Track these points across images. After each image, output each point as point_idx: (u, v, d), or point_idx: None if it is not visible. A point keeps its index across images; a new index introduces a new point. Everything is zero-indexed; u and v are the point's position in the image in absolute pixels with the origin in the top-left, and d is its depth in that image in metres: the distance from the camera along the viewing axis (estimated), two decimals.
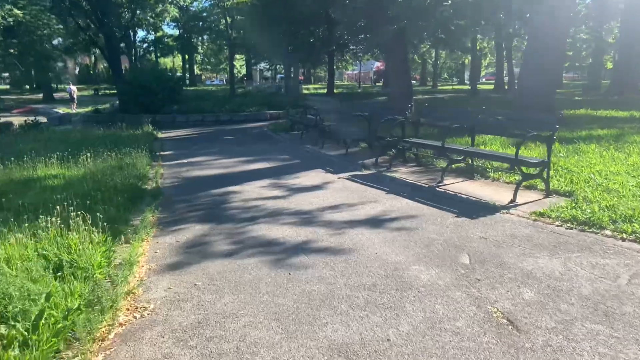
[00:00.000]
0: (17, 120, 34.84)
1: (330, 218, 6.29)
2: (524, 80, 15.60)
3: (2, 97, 50.85)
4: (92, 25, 19.98)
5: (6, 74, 55.91)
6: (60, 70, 43.92)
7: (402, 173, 9.14)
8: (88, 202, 6.18)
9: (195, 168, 10.34)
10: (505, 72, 44.95)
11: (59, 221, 4.95)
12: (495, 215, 6.32)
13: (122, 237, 5.46)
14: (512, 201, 6.85)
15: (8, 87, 61.41)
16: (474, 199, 7.15)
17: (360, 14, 17.42)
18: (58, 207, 5.33)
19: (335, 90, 41.23)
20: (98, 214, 5.43)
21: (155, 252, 5.23)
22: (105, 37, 19.71)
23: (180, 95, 21.76)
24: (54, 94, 44.26)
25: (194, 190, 8.20)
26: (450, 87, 57.89)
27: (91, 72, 68.51)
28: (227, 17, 27.45)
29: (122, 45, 23.28)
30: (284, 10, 26.53)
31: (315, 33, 35.95)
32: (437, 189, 7.86)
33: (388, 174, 9.12)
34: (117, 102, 22.24)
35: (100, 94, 46.07)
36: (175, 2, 60.99)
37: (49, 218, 5.03)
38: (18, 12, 15.62)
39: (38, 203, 6.33)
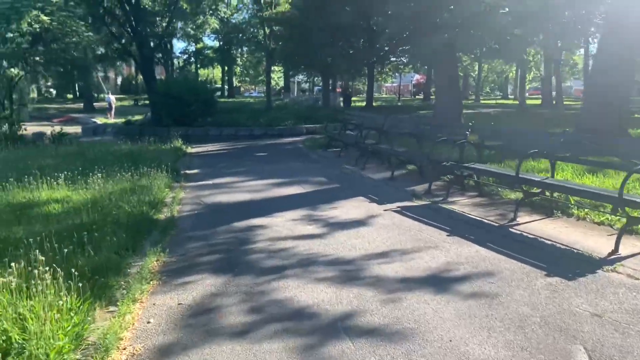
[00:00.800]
0: (54, 129, 34.88)
1: (379, 272, 4.82)
2: (591, 97, 13.78)
3: (45, 105, 51.59)
4: (126, 34, 19.14)
5: (48, 83, 56.86)
6: (100, 80, 43.99)
7: (463, 205, 7.58)
8: (76, 239, 4.91)
9: (220, 191, 9.04)
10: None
11: (31, 269, 3.67)
12: (598, 274, 4.72)
13: (109, 296, 4.13)
14: (613, 252, 5.25)
15: (53, 96, 62.52)
16: (561, 246, 5.55)
17: (405, 22, 15.97)
18: (37, 250, 4.04)
19: (374, 103, 39.80)
20: (79, 262, 4.13)
21: (148, 323, 3.87)
22: (138, 46, 18.87)
23: (215, 108, 20.73)
24: (94, 104, 44.35)
25: (214, 222, 6.86)
26: (494, 102, 55.55)
27: (133, 82, 69.16)
28: (266, 28, 26.39)
29: (158, 55, 22.45)
30: (324, 21, 25.35)
31: (355, 44, 34.65)
32: (511, 229, 6.27)
33: (445, 206, 7.58)
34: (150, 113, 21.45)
35: (140, 104, 45.95)
36: (215, 14, 61.13)
37: (15, 266, 3.75)
38: (45, 18, 14.85)
39: (19, 240, 5.08)
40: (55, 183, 8.27)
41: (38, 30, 15.05)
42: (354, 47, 34.42)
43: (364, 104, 41.59)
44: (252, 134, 19.51)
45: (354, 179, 10.08)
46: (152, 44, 19.60)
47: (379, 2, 18.43)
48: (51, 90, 62.36)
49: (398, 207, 7.59)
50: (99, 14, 18.44)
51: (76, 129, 29.13)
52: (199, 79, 21.20)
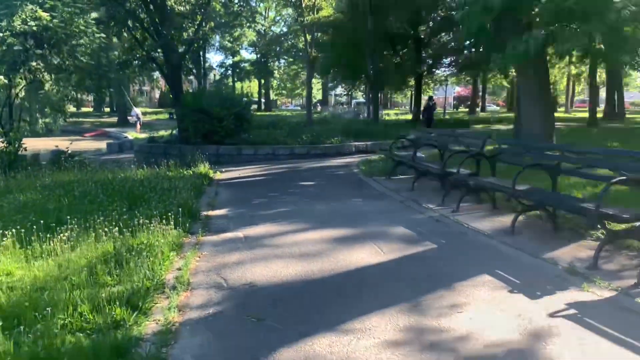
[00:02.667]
0: (82, 144, 32.64)
1: None
2: None
3: (81, 119, 49.97)
4: (150, 38, 16.30)
5: (85, 96, 55.35)
6: (125, 92, 41.88)
7: None
8: None
9: (255, 256, 5.75)
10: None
11: None
12: None
13: None
14: None
15: (91, 109, 61.21)
16: None
17: (487, 17, 12.50)
18: None
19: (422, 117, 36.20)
20: None
21: None
22: (163, 52, 15.97)
23: (250, 123, 17.63)
24: (128, 118, 42.27)
25: (244, 345, 3.58)
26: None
27: (170, 95, 67.45)
28: (307, 35, 23.31)
29: (189, 66, 19.53)
30: (372, 26, 22.13)
31: (402, 53, 31.28)
32: None
33: None
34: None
35: (174, 118, 43.59)
36: (252, 26, 58.83)
37: None
38: (44, 14, 12.07)
39: None
40: (6, 242, 5.19)
41: (35, 29, 12.24)
42: (401, 57, 31.09)
43: (409, 116, 38.06)
44: (293, 153, 16.29)
45: (453, 233, 6.65)
46: (180, 50, 16.65)
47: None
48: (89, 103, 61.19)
49: (567, 305, 4.15)
50: (119, 15, 15.62)
51: (102, 145, 26.76)
52: (234, 92, 17.98)
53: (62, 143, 32.75)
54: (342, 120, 27.21)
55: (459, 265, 5.26)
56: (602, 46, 12.08)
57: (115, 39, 18.51)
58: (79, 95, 42.67)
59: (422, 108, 27.99)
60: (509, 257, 5.54)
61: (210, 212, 8.08)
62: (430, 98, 26.94)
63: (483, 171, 8.30)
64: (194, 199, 8.55)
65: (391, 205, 8.47)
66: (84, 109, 63.85)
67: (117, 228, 5.75)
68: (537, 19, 12.94)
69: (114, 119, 46.47)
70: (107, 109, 60.28)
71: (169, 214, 6.55)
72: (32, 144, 21.31)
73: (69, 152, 14.51)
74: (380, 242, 6.17)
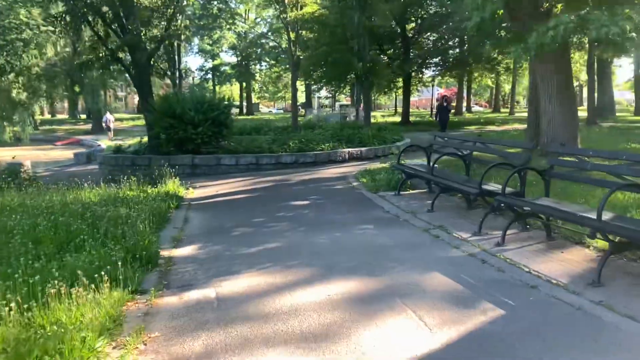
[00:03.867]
0: (52, 154, 29.96)
1: None
2: None
3: (54, 127, 47.14)
4: (113, 34, 14.07)
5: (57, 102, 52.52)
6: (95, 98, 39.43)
7: None
8: None
9: (229, 342, 3.64)
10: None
11: None
12: None
13: None
14: None
15: (67, 116, 58.27)
16: None
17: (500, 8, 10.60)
18: None
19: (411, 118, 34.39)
20: None
21: None
22: (130, 51, 13.78)
23: (230, 129, 15.46)
24: (102, 124, 39.71)
25: None
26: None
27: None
28: (291, 33, 21.25)
29: (162, 68, 17.34)
30: (359, 22, 20.17)
31: (389, 52, 29.42)
32: None
33: None
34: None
35: None
36: (232, 28, 56.53)
37: None
38: None
39: None
40: None
41: None
42: (388, 56, 29.24)
43: (397, 119, 36.22)
44: (279, 162, 14.20)
45: (515, 284, 4.61)
46: (148, 48, 14.43)
47: None
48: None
49: None
50: (78, 8, 13.39)
51: (69, 155, 24.30)
52: (214, 96, 15.75)
53: (27, 153, 30.18)
54: (330, 124, 25.19)
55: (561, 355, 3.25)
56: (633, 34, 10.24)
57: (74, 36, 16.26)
58: (42, 103, 40.04)
59: (434, 109, 25.78)
60: (617, 330, 3.55)
61: (174, 252, 5.96)
62: (445, 98, 24.82)
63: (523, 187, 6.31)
64: (154, 232, 6.42)
65: (413, 234, 6.43)
66: (59, 116, 60.91)
67: (20, 296, 3.63)
68: (560, 4, 11.08)
69: (89, 126, 43.80)
70: (84, 116, 57.46)
71: (113, 260, 4.47)
72: None
73: (10, 165, 12.15)
74: (416, 304, 4.14)
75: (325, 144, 15.44)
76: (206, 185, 11.29)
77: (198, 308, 4.26)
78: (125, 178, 10.22)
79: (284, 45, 25.92)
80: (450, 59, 31.51)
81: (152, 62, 17.62)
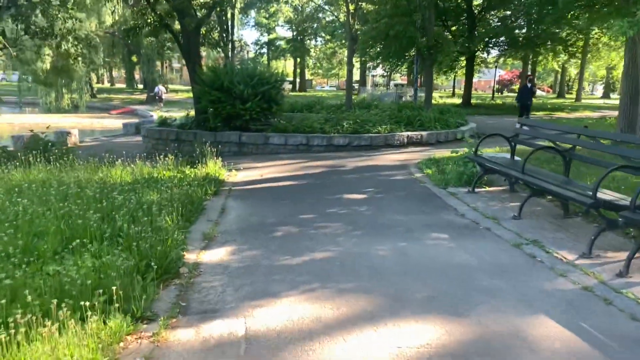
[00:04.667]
0: (105, 123, 29.78)
1: None
2: None
3: (112, 96, 47.63)
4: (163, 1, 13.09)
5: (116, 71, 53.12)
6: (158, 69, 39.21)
7: None
8: None
9: None
10: None
11: None
12: None
13: None
14: None
15: (125, 86, 58.89)
16: None
17: None
18: None
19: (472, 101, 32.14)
20: None
21: None
22: (178, 17, 12.74)
23: (281, 105, 14.26)
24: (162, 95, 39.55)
25: None
26: (603, 102, 45.80)
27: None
28: (350, 4, 19.65)
29: (214, 38, 16.28)
30: None
31: (453, 29, 27.25)
32: None
33: None
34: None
35: None
36: (289, 2, 55.08)
37: None
38: None
39: None
40: None
41: None
42: (452, 33, 27.09)
43: (457, 101, 33.99)
44: (331, 144, 12.91)
45: None
46: (197, 14, 13.35)
47: None
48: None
49: None
50: None
51: (120, 125, 23.88)
52: (267, 69, 14.51)
53: (82, 120, 30.23)
54: (386, 104, 23.58)
55: None
56: None
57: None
58: (100, 71, 40.32)
59: (517, 91, 23.24)
60: None
61: (202, 255, 4.83)
62: (530, 79, 22.27)
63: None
64: (182, 227, 5.33)
65: (500, 251, 5.01)
66: (118, 85, 61.81)
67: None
68: None
69: (144, 96, 43.89)
70: (141, 86, 57.97)
71: (121, 270, 3.37)
72: (47, 121, 18.61)
73: (46, 136, 11.43)
74: None
75: (382, 125, 13.97)
76: (251, 167, 10.16)
77: (219, 353, 3.09)
78: (165, 155, 9.28)
79: (342, 18, 24.29)
80: (520, 38, 28.88)
81: (202, 31, 16.61)
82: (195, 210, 6.25)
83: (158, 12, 13.63)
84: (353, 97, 23.96)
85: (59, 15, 12.22)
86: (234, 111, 13.00)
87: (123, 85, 59.11)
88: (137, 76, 56.96)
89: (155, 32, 13.93)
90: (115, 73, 60.27)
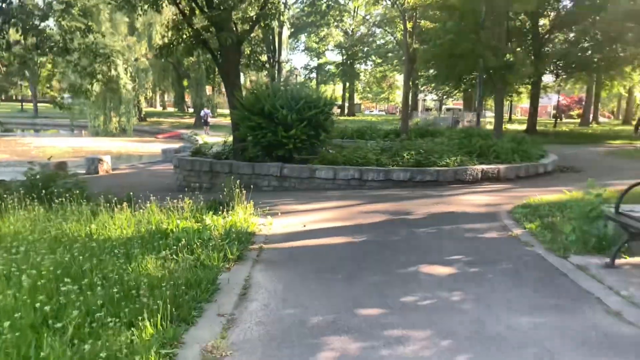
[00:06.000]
0: (147, 148, 28.48)
1: None
2: None
3: (161, 119, 47.19)
4: (198, 11, 11.34)
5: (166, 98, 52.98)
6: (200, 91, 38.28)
7: None
8: None
9: None
10: None
11: None
12: None
13: None
14: None
15: (176, 109, 58.78)
16: None
17: None
18: None
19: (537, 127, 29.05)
20: None
21: None
22: (216, 29, 10.99)
23: (329, 132, 12.14)
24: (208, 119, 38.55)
25: None
26: None
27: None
28: (408, 22, 17.53)
29: (258, 58, 14.50)
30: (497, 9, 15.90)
31: (517, 50, 24.48)
32: None
33: None
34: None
35: None
36: (340, 26, 53.74)
37: None
38: None
39: None
40: None
41: None
42: (515, 54, 24.33)
43: (522, 127, 30.95)
44: (389, 179, 10.63)
45: None
46: (237, 29, 11.54)
47: None
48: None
49: None
50: None
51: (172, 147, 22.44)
52: (314, 91, 12.35)
53: (127, 144, 29.22)
54: (442, 129, 21.07)
55: None
56: None
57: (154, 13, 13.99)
58: (149, 94, 39.83)
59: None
60: None
61: None
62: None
63: None
64: (169, 340, 3.18)
65: None
66: (169, 109, 61.93)
67: None
68: None
69: (193, 120, 43.13)
70: (192, 110, 57.83)
71: None
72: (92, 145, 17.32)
73: (51, 171, 9.74)
74: None
75: (450, 157, 11.56)
76: (292, 210, 7.99)
77: None
78: (196, 189, 7.30)
79: (398, 36, 22.14)
80: (594, 60, 25.77)
81: (246, 51, 14.87)
82: (201, 295, 4.09)
83: (194, 27, 11.91)
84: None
85: (73, 27, 10.66)
86: (275, 139, 10.97)
87: (175, 110, 59.07)
88: (188, 100, 56.79)
89: (191, 49, 12.17)
90: (167, 97, 60.48)
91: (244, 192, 7.42)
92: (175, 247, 5.12)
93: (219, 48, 12.14)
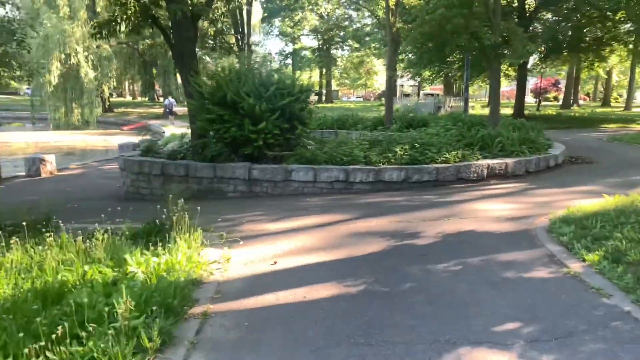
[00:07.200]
0: (110, 140, 25.79)
1: None
2: None
3: (129, 110, 44.19)
4: None
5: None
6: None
7: None
8: None
9: None
10: None
11: None
12: None
13: None
14: None
15: (146, 99, 55.59)
16: None
17: None
18: None
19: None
20: None
21: None
22: (167, 5, 8.74)
23: (307, 124, 10.05)
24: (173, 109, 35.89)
25: None
26: None
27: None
28: None
29: (224, 39, 12.37)
30: None
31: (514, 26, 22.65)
32: None
33: None
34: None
35: None
36: (314, 9, 51.30)
37: None
38: None
39: None
40: None
41: None
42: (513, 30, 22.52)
43: (508, 111, 29.28)
44: (381, 181, 8.67)
45: None
46: (190, 5, 9.34)
47: None
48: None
49: None
50: None
51: (128, 141, 20.07)
52: (267, 72, 9.97)
53: (86, 138, 26.58)
54: (429, 117, 19.15)
55: None
56: None
57: None
58: (112, 84, 36.94)
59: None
60: None
61: None
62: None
63: None
64: None
65: None
66: (139, 99, 58.63)
67: None
68: None
69: (162, 110, 40.38)
70: (162, 99, 54.83)
71: None
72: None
73: None
74: None
75: (450, 151, 9.62)
76: (259, 231, 5.95)
77: None
78: (152, 194, 5.20)
79: (380, 14, 20.01)
80: (584, 39, 24.13)
81: (206, 30, 12.65)
82: None
83: (141, 0, 9.63)
84: (381, 107, 19.49)
85: None
86: (241, 134, 8.85)
87: (144, 99, 55.90)
88: (159, 89, 53.69)
89: (137, 27, 9.87)
90: (136, 86, 57.24)
91: (198, 207, 5.33)
92: (64, 320, 3.08)
93: (171, 26, 9.91)
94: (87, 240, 4.85)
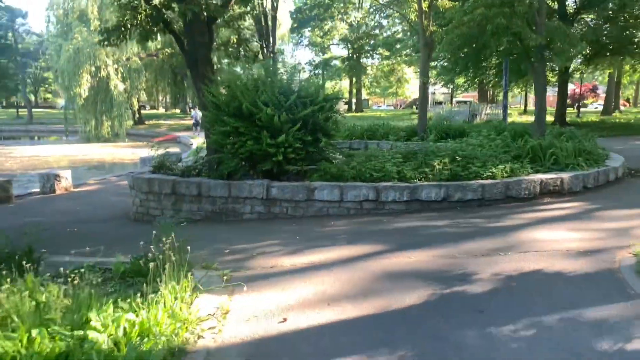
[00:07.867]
0: (137, 152, 25.25)
1: None
2: None
3: (160, 122, 44.13)
4: None
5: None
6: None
7: None
8: None
9: None
10: None
11: None
12: None
13: None
14: None
15: (178, 111, 55.71)
16: None
17: None
18: None
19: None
20: None
21: None
22: (179, 7, 7.83)
23: (332, 136, 8.96)
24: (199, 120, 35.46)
25: None
26: None
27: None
28: (423, 1, 14.36)
29: (245, 46, 11.48)
30: None
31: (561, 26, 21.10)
32: None
33: None
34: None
35: None
36: (344, 18, 50.51)
37: None
38: None
39: None
40: None
41: None
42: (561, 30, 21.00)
43: (550, 118, 27.45)
44: (416, 200, 7.49)
45: None
46: (207, 11, 8.42)
47: None
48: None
49: None
50: None
51: (151, 154, 19.42)
52: (288, 79, 8.86)
53: (114, 150, 26.21)
54: (466, 126, 17.77)
55: None
56: None
57: None
58: (142, 96, 36.89)
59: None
60: None
61: None
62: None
63: None
64: None
65: None
66: (173, 111, 58.89)
67: None
68: None
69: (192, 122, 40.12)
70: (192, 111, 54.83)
71: None
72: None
73: None
74: None
75: (497, 165, 8.34)
76: (271, 268, 4.87)
77: None
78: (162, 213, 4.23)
79: (412, 18, 18.81)
80: (634, 41, 22.28)
81: (229, 38, 11.78)
82: None
83: (152, 3, 8.78)
84: (413, 116, 18.22)
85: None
86: (258, 149, 7.83)
87: (176, 111, 56.08)
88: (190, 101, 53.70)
89: (148, 32, 9.02)
90: (169, 98, 57.48)
91: (207, 232, 4.28)
92: None
93: (184, 30, 9.02)
94: (63, 284, 3.87)
